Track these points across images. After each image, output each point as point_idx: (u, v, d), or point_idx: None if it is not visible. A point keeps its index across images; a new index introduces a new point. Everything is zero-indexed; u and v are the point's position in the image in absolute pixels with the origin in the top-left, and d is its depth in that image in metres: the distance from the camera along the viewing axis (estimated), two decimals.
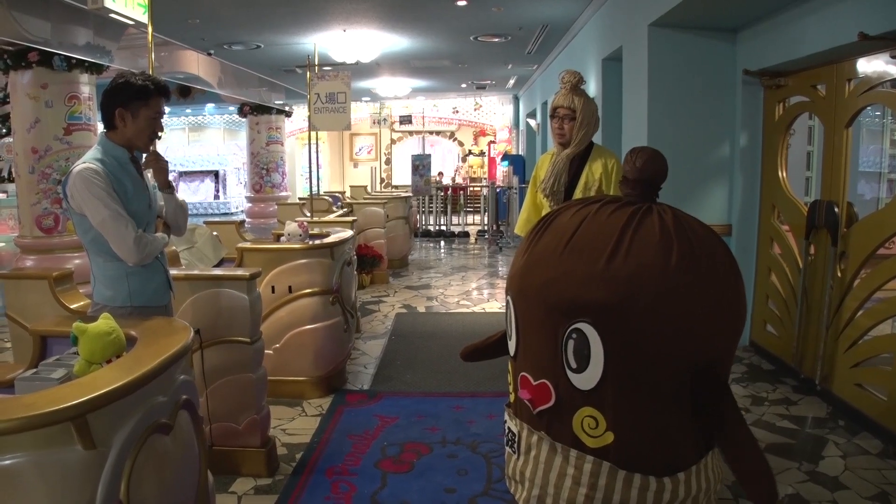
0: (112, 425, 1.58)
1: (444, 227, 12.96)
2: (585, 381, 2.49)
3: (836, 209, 4.04)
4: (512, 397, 2.92)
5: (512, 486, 2.92)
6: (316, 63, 6.50)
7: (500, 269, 9.33)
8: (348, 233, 4.54)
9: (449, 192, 13.57)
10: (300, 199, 9.18)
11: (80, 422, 1.48)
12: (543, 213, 3.66)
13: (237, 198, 18.42)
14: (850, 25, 3.56)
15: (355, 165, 20.06)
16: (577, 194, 3.51)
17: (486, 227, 12.53)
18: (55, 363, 1.91)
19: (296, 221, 4.27)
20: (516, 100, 17.10)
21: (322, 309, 4.09)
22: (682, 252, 2.48)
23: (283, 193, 12.23)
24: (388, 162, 18.48)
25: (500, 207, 12.44)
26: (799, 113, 4.60)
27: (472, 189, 15.45)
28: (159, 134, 2.51)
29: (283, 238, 4.28)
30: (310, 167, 5.78)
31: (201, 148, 19.26)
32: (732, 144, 5.06)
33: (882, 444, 3.52)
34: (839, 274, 4.02)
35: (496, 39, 8.88)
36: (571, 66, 8.36)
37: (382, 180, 16.52)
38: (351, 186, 10.80)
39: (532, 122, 13.06)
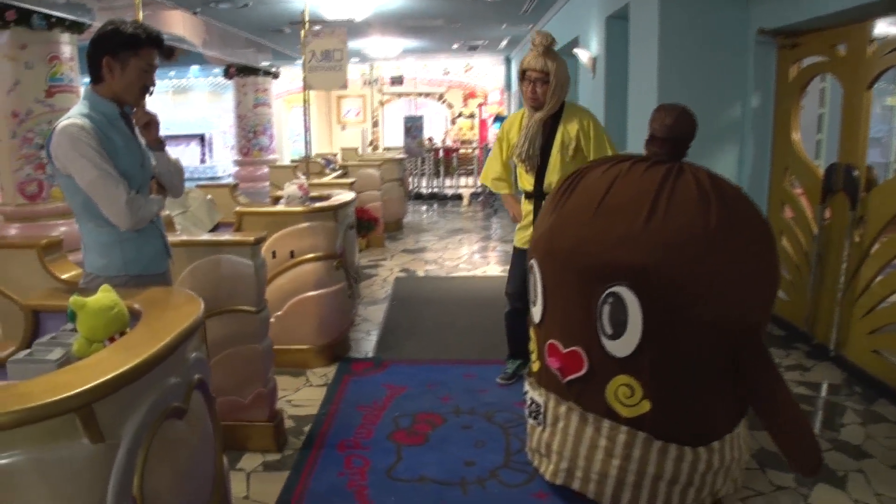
0: (122, 414, 1.41)
1: (436, 190, 12.78)
2: (621, 347, 2.37)
3: (855, 173, 3.91)
4: (536, 366, 2.79)
5: (536, 459, 2.81)
6: (307, 20, 6.21)
7: (496, 231, 9.19)
8: (351, 195, 4.36)
9: (441, 155, 13.37)
10: (292, 161, 8.94)
11: (85, 412, 1.31)
12: (506, 172, 3.61)
13: (224, 161, 18.04)
14: None
15: (343, 128, 19.69)
16: (555, 155, 3.42)
17: (478, 190, 12.38)
18: (50, 342, 1.74)
19: (295, 183, 4.09)
20: (507, 61, 16.76)
21: (326, 274, 3.93)
22: (722, 213, 2.35)
23: (272, 157, 11.92)
24: (377, 124, 18.16)
25: None
26: (817, 74, 4.43)
27: (463, 151, 15.25)
28: (150, 89, 2.30)
29: (282, 201, 4.10)
30: (305, 128, 5.55)
31: (186, 111, 18.77)
32: (744, 106, 4.89)
33: None
34: (857, 239, 3.91)
35: None
36: (571, 25, 8.12)
37: (371, 143, 16.21)
38: (342, 148, 10.55)
39: None
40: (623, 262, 2.31)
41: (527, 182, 3.51)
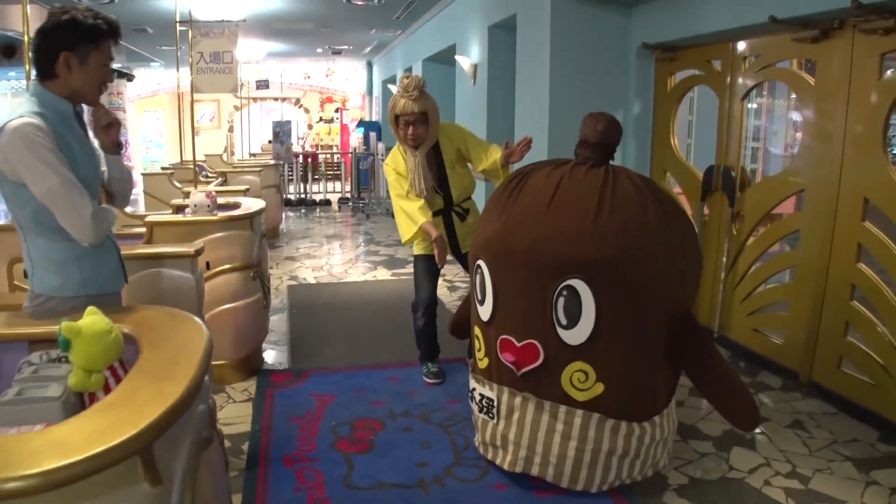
0: (172, 450, 1.31)
1: (304, 196, 12.62)
2: (576, 336, 2.53)
3: (732, 173, 4.36)
4: (483, 363, 2.89)
5: (490, 452, 2.90)
6: (178, 20, 5.91)
7: (374, 236, 9.19)
8: (261, 202, 4.22)
9: (308, 160, 13.23)
10: (163, 168, 8.44)
11: (147, 453, 1.20)
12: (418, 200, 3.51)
13: None
14: (746, 8, 3.88)
15: (197, 134, 18.74)
16: (451, 174, 3.61)
17: (347, 195, 12.39)
18: (35, 378, 1.53)
19: (203, 192, 3.92)
20: (370, 66, 16.81)
21: (243, 285, 3.80)
22: (657, 209, 2.59)
23: (128, 164, 11.18)
24: (231, 130, 17.47)
25: (363, 175, 12.29)
26: (694, 85, 4.88)
27: (328, 156, 15.18)
28: (108, 85, 2.13)
29: (188, 210, 3.90)
30: (181, 132, 5.28)
31: None
32: (626, 112, 5.29)
33: (782, 380, 3.92)
34: (735, 232, 4.37)
35: (365, 2, 8.60)
36: (447, 33, 8.31)
37: (230, 151, 15.55)
38: (206, 155, 10.09)
39: (393, 88, 12.92)
40: (577, 257, 2.47)
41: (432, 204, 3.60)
